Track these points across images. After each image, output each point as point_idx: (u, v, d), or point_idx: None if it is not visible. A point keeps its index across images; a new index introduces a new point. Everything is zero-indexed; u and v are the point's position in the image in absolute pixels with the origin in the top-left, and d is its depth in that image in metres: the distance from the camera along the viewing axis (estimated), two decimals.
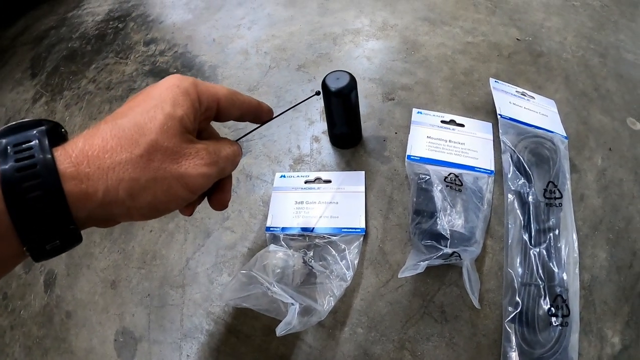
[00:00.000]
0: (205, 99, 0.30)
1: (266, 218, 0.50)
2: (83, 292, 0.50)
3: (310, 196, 0.50)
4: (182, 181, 0.25)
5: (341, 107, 0.48)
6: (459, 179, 0.47)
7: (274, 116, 0.40)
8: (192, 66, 0.71)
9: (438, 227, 0.42)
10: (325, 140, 0.56)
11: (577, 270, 0.43)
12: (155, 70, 0.73)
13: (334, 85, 0.45)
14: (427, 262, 0.40)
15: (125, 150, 0.24)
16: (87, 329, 0.47)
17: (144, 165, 0.24)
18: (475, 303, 0.40)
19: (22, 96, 0.79)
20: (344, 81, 0.45)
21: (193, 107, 0.29)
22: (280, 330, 0.38)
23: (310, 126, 0.58)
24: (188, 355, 0.43)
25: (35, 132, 0.24)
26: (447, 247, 0.41)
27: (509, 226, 0.45)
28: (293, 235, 0.48)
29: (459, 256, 0.40)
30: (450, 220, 0.43)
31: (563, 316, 0.40)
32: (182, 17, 0.82)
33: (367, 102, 0.59)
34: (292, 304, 0.39)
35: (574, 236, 0.45)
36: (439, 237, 0.42)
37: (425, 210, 0.45)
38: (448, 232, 0.42)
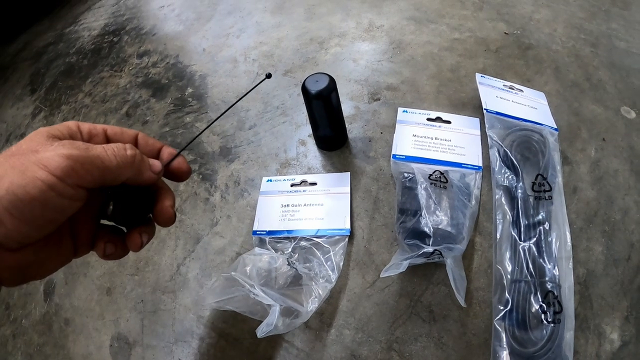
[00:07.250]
0: (86, 127, 0.31)
1: (254, 222, 0.50)
2: (80, 300, 0.51)
3: (296, 199, 0.50)
4: (39, 162, 0.24)
5: (322, 109, 0.48)
6: (444, 176, 0.46)
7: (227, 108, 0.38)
8: (182, 76, 0.72)
9: (422, 225, 0.42)
10: (312, 144, 0.56)
11: (570, 265, 0.41)
12: (147, 82, 0.74)
13: (313, 87, 0.45)
14: (408, 260, 0.39)
15: None
16: (84, 335, 0.48)
17: (3, 161, 0.25)
18: (461, 302, 0.38)
19: (22, 112, 0.81)
20: (323, 83, 0.45)
21: (61, 127, 0.29)
22: (261, 332, 0.37)
23: (297, 130, 0.58)
24: (180, 359, 0.44)
25: None
26: (429, 245, 0.40)
27: (498, 222, 0.44)
28: (278, 238, 0.47)
29: (441, 254, 0.40)
30: (434, 218, 0.42)
31: (555, 313, 0.39)
32: (174, 29, 0.84)
33: (353, 104, 0.59)
34: (273, 306, 0.39)
35: (567, 230, 0.43)
36: (422, 235, 0.41)
37: (409, 209, 0.44)
38: (431, 230, 0.41)
